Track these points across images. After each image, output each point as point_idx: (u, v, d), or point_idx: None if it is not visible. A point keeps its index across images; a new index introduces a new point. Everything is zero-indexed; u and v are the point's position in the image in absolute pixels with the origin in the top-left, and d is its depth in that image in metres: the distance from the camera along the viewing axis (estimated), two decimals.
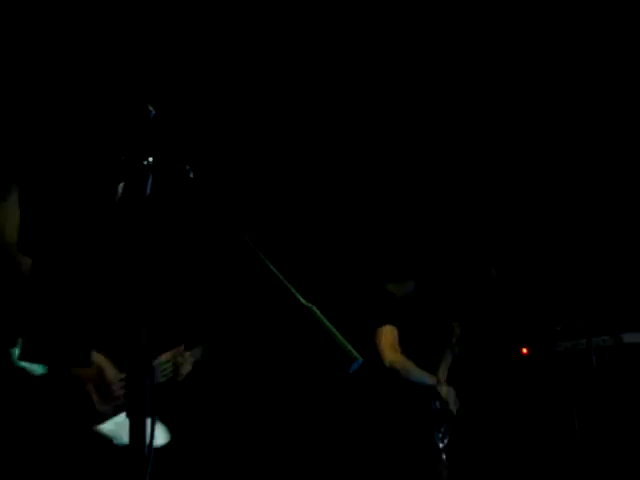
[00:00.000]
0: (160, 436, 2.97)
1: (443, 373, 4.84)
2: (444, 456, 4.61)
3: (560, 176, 5.78)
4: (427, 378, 4.72)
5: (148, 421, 1.99)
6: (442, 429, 4.66)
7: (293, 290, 1.81)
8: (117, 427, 2.70)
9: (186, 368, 3.13)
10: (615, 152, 5.73)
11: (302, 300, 1.80)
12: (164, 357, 3.08)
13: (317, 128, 5.46)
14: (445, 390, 4.76)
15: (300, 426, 5.42)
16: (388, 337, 4.69)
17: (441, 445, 4.62)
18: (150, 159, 2.02)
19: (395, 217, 5.61)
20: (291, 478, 5.29)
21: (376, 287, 4.95)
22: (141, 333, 1.92)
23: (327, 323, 1.79)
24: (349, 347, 1.77)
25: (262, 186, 5.37)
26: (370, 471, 4.78)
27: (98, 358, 2.77)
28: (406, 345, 4.74)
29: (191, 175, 2.03)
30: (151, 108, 2.10)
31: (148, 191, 2.02)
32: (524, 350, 5.41)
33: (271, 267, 1.81)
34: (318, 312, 1.81)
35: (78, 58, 3.74)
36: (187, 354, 3.13)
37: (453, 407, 4.78)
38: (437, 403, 4.72)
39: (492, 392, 5.49)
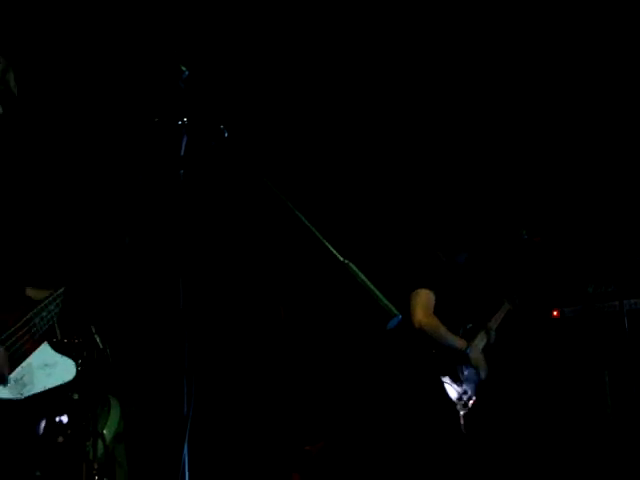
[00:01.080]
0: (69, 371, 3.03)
1: (479, 342, 4.82)
2: (462, 422, 4.59)
3: (590, 142, 5.72)
4: (457, 342, 4.69)
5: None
6: (465, 396, 4.65)
7: (330, 247, 1.81)
8: (16, 386, 2.76)
9: None
10: None
11: (339, 257, 1.80)
12: None
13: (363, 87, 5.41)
14: (475, 355, 4.74)
15: (331, 383, 5.49)
16: (422, 300, 4.66)
17: (462, 412, 4.61)
18: (184, 119, 2.03)
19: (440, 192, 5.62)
20: (317, 432, 5.37)
21: (421, 250, 4.93)
22: (180, 292, 1.94)
23: (365, 279, 1.79)
24: (388, 303, 1.77)
25: (303, 143, 5.35)
26: (388, 431, 4.80)
27: None
28: (443, 310, 4.73)
29: (226, 134, 2.03)
30: (184, 69, 2.09)
31: (183, 151, 2.03)
32: (555, 312, 5.39)
33: (309, 225, 1.81)
34: (356, 268, 1.80)
35: (111, 21, 3.74)
36: None
37: (482, 373, 4.76)
38: (465, 369, 4.70)
39: (523, 355, 5.47)
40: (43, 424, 3.43)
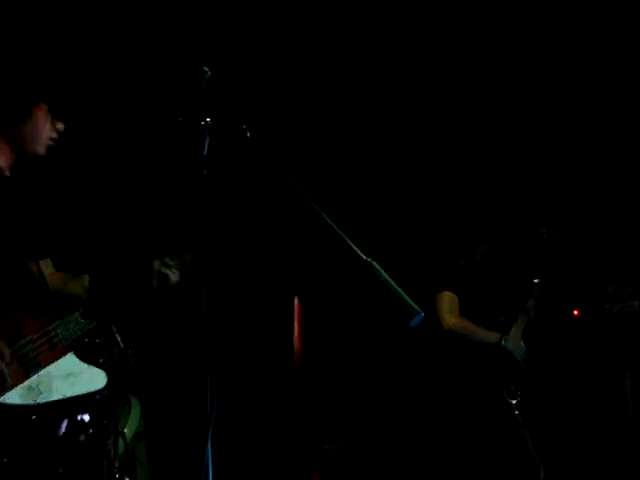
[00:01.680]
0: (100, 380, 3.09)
1: (515, 334, 4.80)
2: (517, 412, 4.59)
3: (611, 141, 5.69)
4: (489, 336, 4.68)
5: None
6: (512, 386, 4.64)
7: (353, 246, 1.82)
8: (30, 392, 2.80)
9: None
10: None
11: (362, 255, 1.81)
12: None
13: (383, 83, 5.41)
14: (511, 344, 4.72)
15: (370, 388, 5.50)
16: (446, 302, 4.70)
17: (514, 402, 4.60)
18: (207, 120, 2.04)
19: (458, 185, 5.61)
20: (357, 436, 5.39)
21: (440, 255, 4.95)
22: (204, 289, 1.96)
23: (388, 278, 1.80)
24: (410, 301, 1.78)
25: (326, 143, 5.36)
26: (443, 436, 4.79)
27: None
28: (470, 309, 4.73)
29: (248, 134, 2.04)
30: (206, 69, 2.11)
31: (206, 151, 2.04)
32: (575, 312, 5.37)
33: (331, 224, 1.81)
34: (378, 267, 1.81)
35: (135, 23, 3.76)
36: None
37: (521, 359, 4.73)
38: (506, 359, 4.68)
39: (544, 354, 5.46)
40: (65, 423, 3.46)
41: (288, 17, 4.69)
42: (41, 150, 3.05)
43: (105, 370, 3.15)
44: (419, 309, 1.80)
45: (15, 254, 2.95)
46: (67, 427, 3.46)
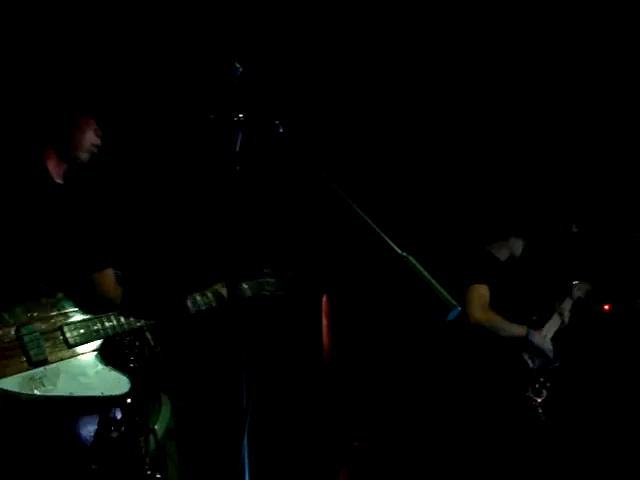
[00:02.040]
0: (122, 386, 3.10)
1: (549, 328, 4.77)
2: (541, 410, 4.55)
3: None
4: (516, 330, 4.64)
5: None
6: (537, 384, 4.60)
7: (389, 240, 1.81)
8: (32, 381, 2.80)
9: None
10: None
11: (398, 250, 1.81)
12: None
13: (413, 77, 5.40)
14: (538, 338, 4.69)
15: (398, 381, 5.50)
16: (476, 295, 4.65)
17: (538, 400, 4.56)
18: (240, 116, 2.05)
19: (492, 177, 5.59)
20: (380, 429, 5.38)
21: (475, 247, 4.93)
22: (235, 282, 1.96)
23: (424, 272, 1.79)
24: (447, 295, 1.77)
25: (360, 137, 5.35)
26: (468, 433, 4.77)
27: None
28: (503, 304, 4.70)
29: (281, 130, 2.04)
30: (238, 66, 2.11)
31: (238, 147, 2.05)
32: (606, 307, 5.32)
33: (366, 219, 1.81)
34: (415, 261, 1.81)
35: (167, 20, 3.78)
36: None
37: (549, 355, 4.70)
38: (530, 356, 4.65)
39: (574, 349, 5.42)
40: (98, 420, 3.49)
41: (320, 12, 4.69)
42: (85, 157, 3.10)
43: (129, 376, 3.13)
44: (456, 303, 1.79)
45: (77, 264, 2.98)
46: (100, 424, 3.48)
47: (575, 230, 4.73)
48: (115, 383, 3.06)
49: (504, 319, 4.61)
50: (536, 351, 4.71)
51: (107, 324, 3.07)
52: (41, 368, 2.87)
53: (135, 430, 3.96)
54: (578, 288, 4.98)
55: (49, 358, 2.90)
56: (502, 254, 4.90)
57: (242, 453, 2.02)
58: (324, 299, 4.87)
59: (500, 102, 5.63)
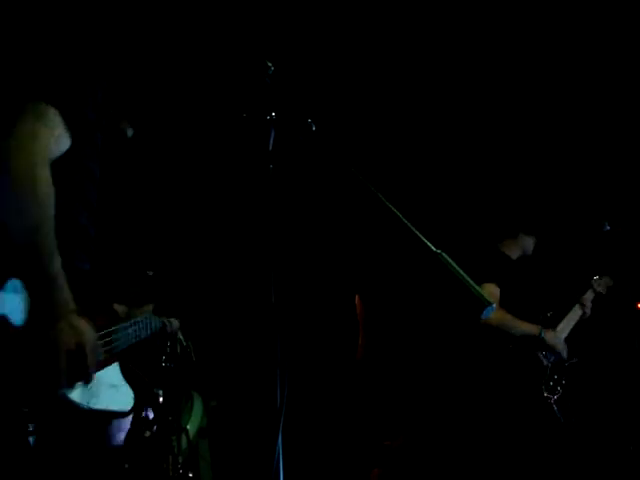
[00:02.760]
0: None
1: (563, 328, 4.73)
2: (556, 408, 4.51)
3: None
4: (528, 328, 4.59)
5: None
6: (551, 382, 4.56)
7: (422, 237, 1.81)
8: (86, 392, 2.71)
9: None
10: None
11: (432, 247, 1.80)
12: None
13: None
14: (550, 336, 4.64)
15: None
16: (485, 294, 4.62)
17: (553, 397, 4.52)
18: (272, 114, 2.05)
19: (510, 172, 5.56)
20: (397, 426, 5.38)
21: (485, 246, 4.90)
22: (272, 286, 1.96)
23: (458, 269, 1.78)
24: (481, 292, 1.76)
25: (386, 137, 5.34)
26: (479, 429, 4.75)
27: (78, 322, 2.66)
28: (515, 303, 4.67)
29: (313, 128, 2.04)
30: (270, 64, 2.12)
31: (271, 146, 2.05)
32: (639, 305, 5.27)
33: (400, 216, 1.81)
34: (448, 258, 1.80)
35: (199, 20, 3.80)
36: None
37: (563, 352, 4.65)
38: (544, 355, 4.61)
39: (607, 347, 5.37)
40: (131, 419, 3.49)
41: (351, 11, 4.69)
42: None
43: (134, 391, 3.00)
44: (491, 300, 1.78)
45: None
46: (133, 423, 3.48)
47: (608, 228, 4.68)
48: (126, 398, 2.92)
49: (515, 318, 4.56)
50: (549, 349, 4.67)
51: (141, 326, 3.00)
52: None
53: (167, 429, 3.98)
54: (598, 283, 4.95)
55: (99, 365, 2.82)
56: (513, 252, 4.85)
57: (277, 452, 2.02)
58: (357, 299, 4.87)
59: (516, 100, 5.61)
